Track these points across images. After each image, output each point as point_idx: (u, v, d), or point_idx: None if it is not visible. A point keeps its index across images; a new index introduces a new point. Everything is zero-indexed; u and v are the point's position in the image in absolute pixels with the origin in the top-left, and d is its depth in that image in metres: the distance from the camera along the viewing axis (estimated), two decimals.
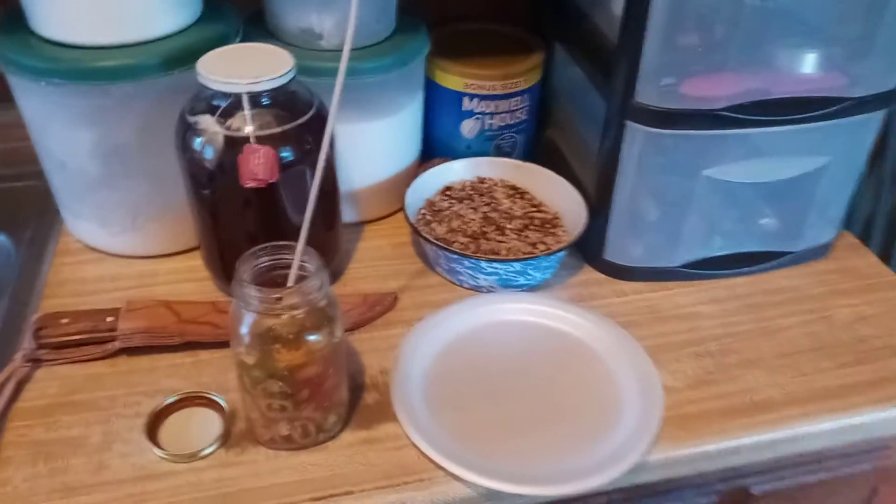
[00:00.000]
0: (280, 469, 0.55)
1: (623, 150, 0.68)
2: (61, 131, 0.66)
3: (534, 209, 0.78)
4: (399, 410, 0.58)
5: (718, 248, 0.75)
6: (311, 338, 0.52)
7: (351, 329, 0.67)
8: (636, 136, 0.66)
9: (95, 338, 0.63)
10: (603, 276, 0.76)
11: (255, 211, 0.64)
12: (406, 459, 0.56)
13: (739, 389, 0.64)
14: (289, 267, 0.54)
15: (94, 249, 0.75)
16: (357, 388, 0.62)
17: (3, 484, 0.53)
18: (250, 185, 0.60)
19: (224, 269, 0.68)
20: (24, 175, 0.74)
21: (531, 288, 0.73)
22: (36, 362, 0.62)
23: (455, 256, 0.69)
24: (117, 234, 0.72)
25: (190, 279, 0.72)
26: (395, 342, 0.65)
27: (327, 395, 0.55)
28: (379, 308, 0.69)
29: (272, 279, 0.53)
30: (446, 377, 0.63)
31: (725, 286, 0.75)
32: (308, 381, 0.53)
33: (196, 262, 0.73)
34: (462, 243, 0.73)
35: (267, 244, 0.53)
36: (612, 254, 0.75)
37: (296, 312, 0.51)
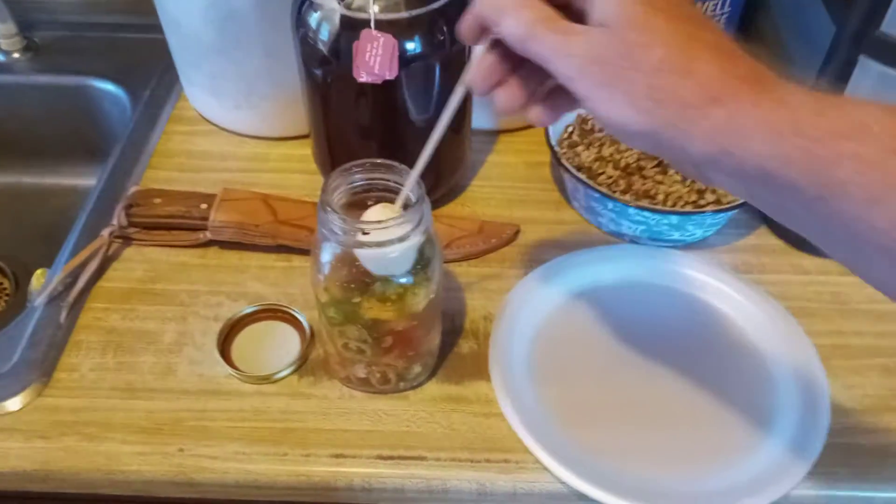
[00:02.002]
0: (351, 412, 0.49)
1: (847, 92, 0.52)
2: None
3: None
4: (494, 373, 0.49)
5: None
6: (402, 281, 0.44)
7: (459, 260, 0.58)
8: (870, 75, 0.50)
9: (187, 223, 0.58)
10: (781, 243, 0.61)
11: (371, 106, 0.55)
12: (493, 431, 0.48)
13: None
14: (389, 191, 0.44)
15: (208, 122, 0.69)
16: (453, 331, 0.54)
17: (72, 370, 0.50)
18: (364, 79, 0.50)
19: (333, 166, 0.60)
20: (151, 27, 0.68)
21: (686, 245, 0.60)
22: (126, 240, 0.58)
23: (597, 195, 0.57)
24: (231, 108, 0.65)
25: (300, 170, 0.65)
26: (508, 284, 0.55)
27: (413, 345, 0.47)
28: (496, 241, 0.59)
29: (365, 204, 0.44)
30: (558, 341, 0.53)
31: None
32: (393, 331, 0.45)
33: (310, 150, 0.65)
34: (610, 177, 0.60)
35: (366, 160, 0.44)
36: None
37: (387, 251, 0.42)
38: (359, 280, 0.44)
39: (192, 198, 0.58)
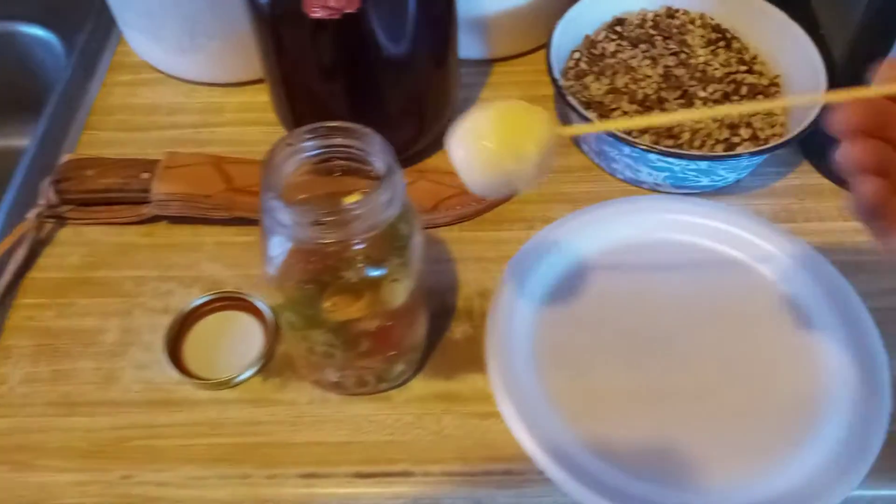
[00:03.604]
0: (324, 421, 0.41)
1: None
2: None
3: (744, 68, 0.53)
4: (492, 363, 0.42)
5: None
6: (374, 274, 0.35)
7: (449, 224, 0.50)
8: None
9: (127, 197, 0.49)
10: (827, 182, 0.52)
11: (332, 45, 0.45)
12: (493, 436, 0.41)
13: None
14: (354, 160, 0.35)
15: (153, 68, 0.59)
16: (444, 312, 0.46)
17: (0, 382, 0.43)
18: (318, 15, 0.41)
19: (295, 118, 0.51)
20: None
21: (716, 191, 0.51)
22: (59, 220, 0.50)
23: (610, 138, 0.47)
24: (175, 52, 0.56)
25: (262, 120, 0.55)
26: (508, 250, 0.47)
27: (393, 345, 0.39)
28: (490, 200, 0.50)
29: (331, 171, 0.36)
30: (568, 320, 0.45)
31: None
32: (366, 332, 0.37)
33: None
34: (625, 113, 0.51)
35: (319, 125, 0.35)
36: None
37: (350, 242, 0.33)
38: (320, 276, 0.35)
39: (130, 166, 0.49)
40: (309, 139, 0.35)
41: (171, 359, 0.43)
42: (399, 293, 0.36)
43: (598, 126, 0.47)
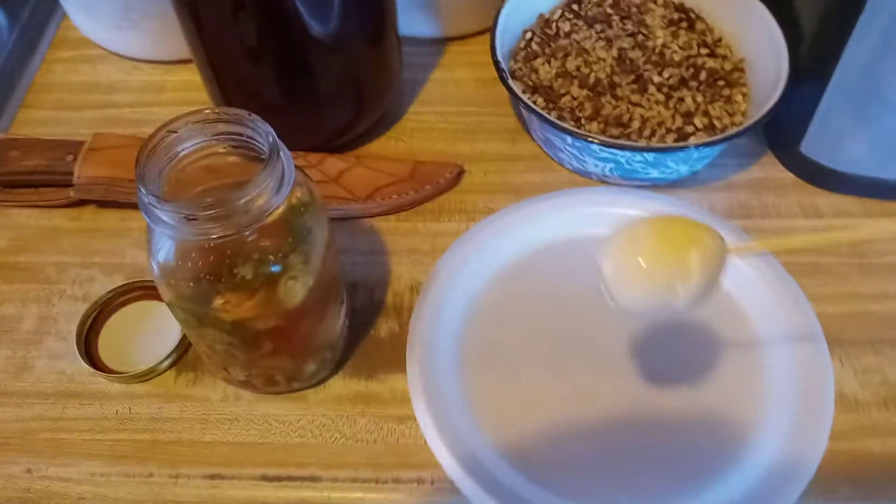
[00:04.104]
0: (235, 419, 0.40)
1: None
2: None
3: (706, 52, 0.50)
4: (411, 362, 0.40)
5: None
6: (269, 270, 0.33)
7: (384, 214, 0.47)
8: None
9: (53, 179, 0.47)
10: (790, 176, 0.49)
11: (255, 22, 0.43)
12: (407, 441, 0.39)
13: None
14: (243, 146, 0.33)
15: (95, 45, 0.57)
16: (371, 308, 0.44)
17: None
18: None
19: (226, 99, 0.49)
20: None
21: (671, 183, 0.48)
22: None
23: (549, 126, 0.45)
24: (112, 28, 0.53)
25: (202, 100, 0.53)
26: (445, 243, 0.45)
27: (300, 344, 0.38)
28: (430, 189, 0.48)
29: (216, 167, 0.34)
30: (499, 321, 0.42)
31: None
32: (266, 331, 0.35)
33: None
34: (575, 99, 0.48)
35: (201, 110, 0.33)
36: (813, 145, 0.47)
37: (238, 236, 0.31)
38: (210, 272, 0.33)
39: (56, 148, 0.48)
40: (193, 126, 0.33)
41: (85, 350, 0.42)
42: (297, 292, 0.34)
43: (766, 245, 0.40)
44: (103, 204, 0.48)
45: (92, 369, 0.41)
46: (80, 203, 0.48)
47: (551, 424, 0.39)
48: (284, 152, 0.32)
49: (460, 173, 0.49)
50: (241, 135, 0.32)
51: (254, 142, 0.32)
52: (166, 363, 0.41)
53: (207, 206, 0.30)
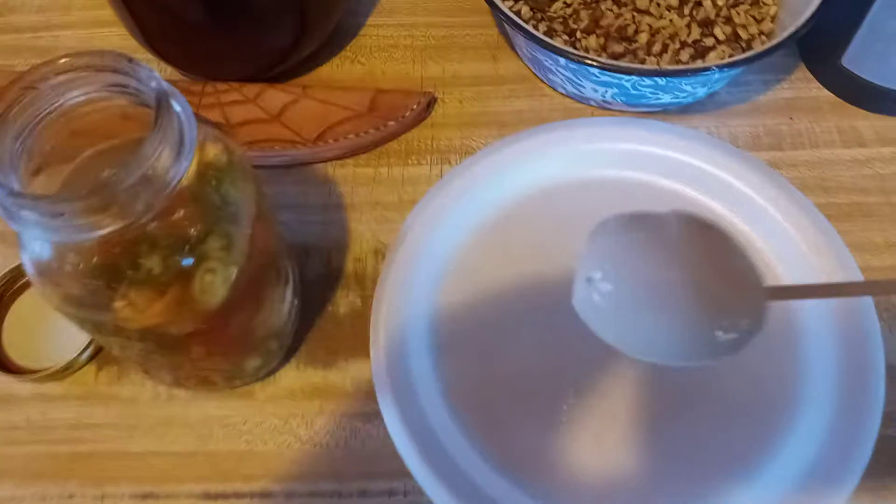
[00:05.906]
0: (169, 424, 0.33)
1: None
2: None
3: None
4: (375, 350, 0.33)
5: None
6: (183, 264, 0.26)
7: (338, 158, 0.39)
8: None
9: None
10: (828, 95, 0.40)
11: None
12: (375, 443, 0.33)
13: None
14: (135, 96, 0.25)
15: None
16: (328, 278, 0.36)
17: None
18: None
19: (136, 21, 0.39)
20: None
21: (684, 108, 0.40)
22: None
23: (536, 46, 0.36)
24: None
25: (118, 21, 0.44)
26: (415, 193, 0.37)
27: (236, 342, 0.30)
28: (394, 125, 0.39)
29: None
30: (481, 291, 0.35)
31: None
32: (192, 335, 0.28)
33: None
34: (567, 6, 0.39)
35: (69, 55, 0.24)
36: (857, 57, 0.38)
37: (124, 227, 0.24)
38: (106, 268, 0.26)
39: None
40: (59, 78, 0.24)
41: None
42: (216, 289, 0.27)
43: (813, 292, 0.31)
44: None
45: None
46: None
47: (547, 421, 0.33)
48: (180, 102, 0.24)
49: (431, 103, 0.40)
50: (121, 84, 0.24)
51: (141, 93, 0.24)
52: (84, 356, 0.35)
53: (81, 197, 0.22)
